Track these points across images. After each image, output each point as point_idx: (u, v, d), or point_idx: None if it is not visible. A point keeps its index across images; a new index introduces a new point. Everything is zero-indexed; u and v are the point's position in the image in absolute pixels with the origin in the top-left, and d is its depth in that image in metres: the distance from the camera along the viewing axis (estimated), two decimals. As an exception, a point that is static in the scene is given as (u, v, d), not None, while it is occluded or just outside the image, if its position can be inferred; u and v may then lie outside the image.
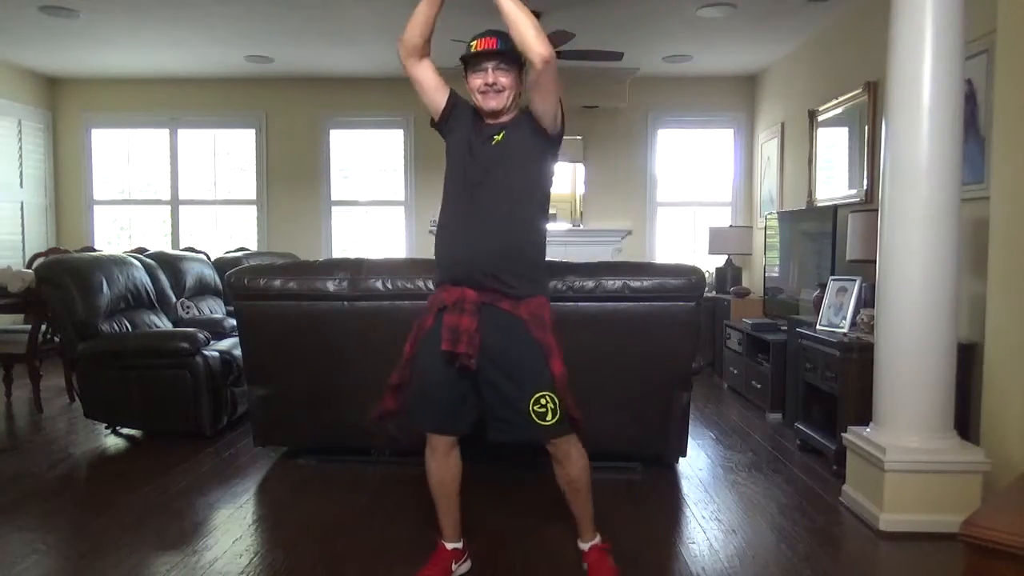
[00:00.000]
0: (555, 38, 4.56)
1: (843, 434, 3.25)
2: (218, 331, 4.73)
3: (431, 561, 2.41)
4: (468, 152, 2.28)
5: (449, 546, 2.43)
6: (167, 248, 7.18)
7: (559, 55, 3.26)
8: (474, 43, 2.25)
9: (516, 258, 2.25)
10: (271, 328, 3.55)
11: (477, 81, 2.25)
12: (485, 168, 2.25)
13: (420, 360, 2.29)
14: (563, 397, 2.23)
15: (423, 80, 2.29)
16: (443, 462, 2.36)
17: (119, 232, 7.91)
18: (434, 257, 2.36)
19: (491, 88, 2.23)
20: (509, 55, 2.22)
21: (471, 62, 2.26)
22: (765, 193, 6.89)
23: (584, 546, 2.43)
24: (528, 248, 2.30)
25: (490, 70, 2.23)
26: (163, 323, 4.78)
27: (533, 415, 2.21)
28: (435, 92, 2.31)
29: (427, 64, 2.29)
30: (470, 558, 2.50)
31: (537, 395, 2.20)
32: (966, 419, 3.27)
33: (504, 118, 2.30)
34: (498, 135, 2.27)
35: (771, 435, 4.32)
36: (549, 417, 2.22)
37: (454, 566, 2.42)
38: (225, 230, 7.83)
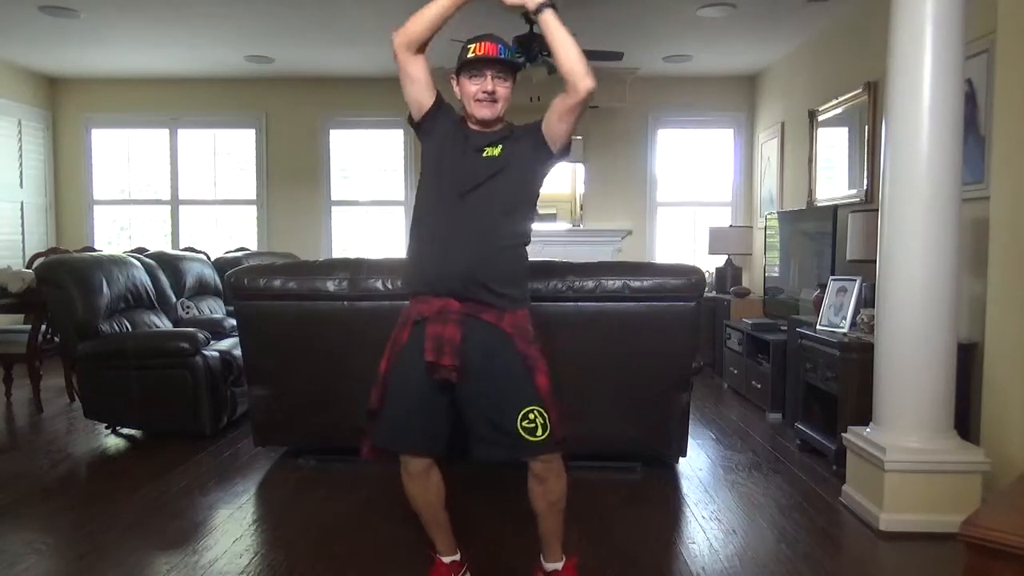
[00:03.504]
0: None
1: (843, 434, 3.25)
2: (218, 331, 4.74)
3: (430, 574, 2.32)
4: (454, 160, 2.18)
5: (447, 559, 2.31)
6: (167, 248, 7.18)
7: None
8: (473, 46, 2.13)
9: (503, 270, 2.15)
10: (271, 328, 3.55)
11: (473, 88, 2.14)
12: (475, 179, 2.14)
13: (395, 376, 2.17)
14: (550, 411, 2.11)
15: (415, 74, 2.17)
16: (422, 484, 2.23)
17: (119, 232, 7.91)
18: (408, 266, 2.25)
19: (488, 97, 2.13)
20: (508, 64, 2.14)
21: (468, 66, 2.14)
22: (765, 193, 6.89)
23: (556, 566, 2.28)
24: (515, 260, 2.20)
25: (489, 77, 2.12)
26: (163, 323, 4.77)
27: (522, 431, 2.09)
28: (424, 89, 2.19)
29: (422, 60, 2.17)
30: (469, 569, 2.40)
31: (525, 410, 2.09)
32: (966, 419, 3.26)
33: (494, 128, 2.19)
34: (493, 148, 2.16)
35: (771, 435, 4.32)
36: (539, 432, 2.10)
37: None
38: (225, 230, 7.82)
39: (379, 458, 2.24)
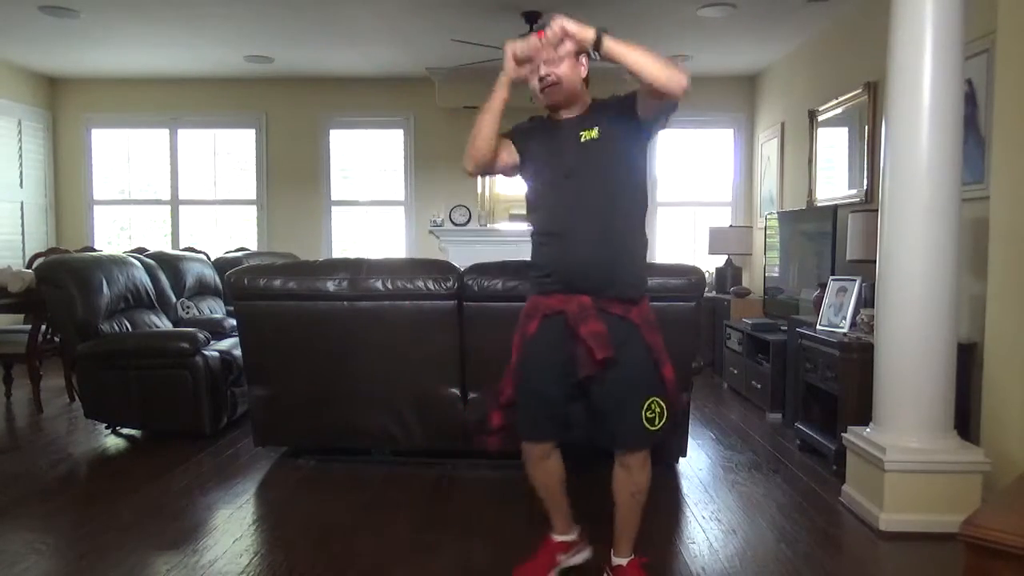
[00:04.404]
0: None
1: (843, 434, 3.25)
2: (218, 331, 4.73)
3: (538, 551, 2.40)
4: (557, 155, 2.22)
5: (557, 538, 2.41)
6: (167, 248, 7.18)
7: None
8: None
9: (626, 257, 2.21)
10: (271, 328, 3.55)
11: (534, 82, 2.20)
12: (579, 167, 2.18)
13: (524, 368, 2.24)
14: (673, 402, 2.22)
15: (503, 166, 2.29)
16: (541, 467, 2.33)
17: (119, 232, 7.91)
18: (535, 264, 2.29)
19: (544, 82, 2.17)
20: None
21: (523, 66, 2.19)
22: (765, 193, 6.89)
23: (622, 561, 2.34)
24: (636, 245, 2.25)
25: (540, 65, 2.17)
26: (163, 323, 4.78)
27: (644, 420, 2.18)
28: (512, 157, 2.29)
29: (497, 155, 2.26)
30: (584, 547, 2.48)
31: (649, 400, 2.18)
32: (966, 419, 3.26)
33: (578, 110, 2.24)
34: (589, 131, 2.19)
35: (771, 435, 4.32)
36: (658, 422, 2.19)
37: (561, 557, 2.41)
38: (225, 230, 7.83)
39: (496, 439, 2.34)
